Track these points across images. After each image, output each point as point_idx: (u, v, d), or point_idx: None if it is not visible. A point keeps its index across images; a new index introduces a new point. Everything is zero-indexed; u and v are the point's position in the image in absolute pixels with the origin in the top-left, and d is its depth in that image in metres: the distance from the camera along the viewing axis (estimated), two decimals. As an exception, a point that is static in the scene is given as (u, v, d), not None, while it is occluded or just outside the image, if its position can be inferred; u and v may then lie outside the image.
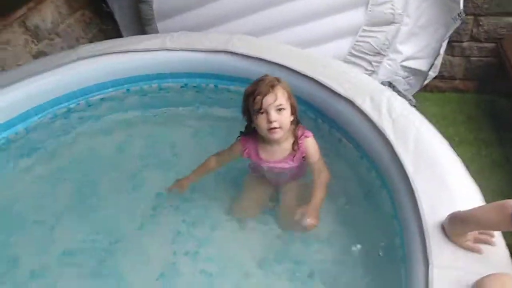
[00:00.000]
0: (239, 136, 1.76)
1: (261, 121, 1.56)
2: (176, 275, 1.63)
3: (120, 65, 2.19)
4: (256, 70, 2.08)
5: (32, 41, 2.63)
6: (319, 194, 1.62)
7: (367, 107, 1.68)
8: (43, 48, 2.69)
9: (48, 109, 2.13)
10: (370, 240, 1.62)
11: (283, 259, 1.66)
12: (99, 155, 2.12)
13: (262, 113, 1.54)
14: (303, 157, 1.69)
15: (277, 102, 1.53)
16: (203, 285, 1.61)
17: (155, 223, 1.82)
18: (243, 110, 1.65)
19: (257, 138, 1.68)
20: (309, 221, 1.54)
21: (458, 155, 2.49)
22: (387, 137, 1.54)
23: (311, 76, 1.88)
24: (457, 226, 1.17)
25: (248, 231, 1.78)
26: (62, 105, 2.16)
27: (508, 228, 1.05)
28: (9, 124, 2.02)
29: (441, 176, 1.39)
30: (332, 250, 1.66)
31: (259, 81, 1.58)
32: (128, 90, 2.30)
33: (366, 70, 2.59)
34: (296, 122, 1.65)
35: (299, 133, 1.66)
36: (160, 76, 2.28)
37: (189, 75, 2.28)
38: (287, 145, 1.66)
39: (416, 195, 1.33)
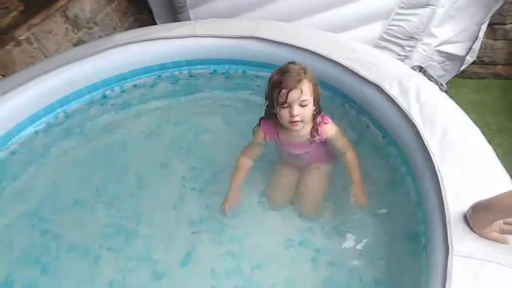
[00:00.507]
0: (257, 124, 1.79)
1: (284, 113, 1.58)
2: (200, 256, 1.68)
3: (151, 53, 2.26)
4: (283, 56, 2.09)
5: (72, 30, 2.76)
6: (353, 174, 1.65)
7: (394, 92, 1.64)
8: (82, 36, 2.83)
9: (85, 94, 2.24)
10: (393, 227, 1.60)
11: (305, 245, 1.68)
12: (131, 140, 2.20)
13: (286, 107, 1.56)
14: (323, 141, 1.70)
15: (302, 98, 1.54)
16: (226, 265, 1.65)
17: (181, 207, 1.88)
18: (266, 96, 1.66)
19: (277, 121, 1.69)
20: (360, 202, 1.60)
21: (496, 144, 2.40)
22: (414, 122, 1.50)
23: (337, 61, 1.86)
24: (480, 215, 1.14)
25: (274, 216, 1.81)
26: (98, 91, 2.26)
27: None
28: (49, 109, 2.15)
29: (469, 165, 1.35)
30: (354, 237, 1.66)
31: (286, 72, 1.56)
32: (159, 76, 2.37)
33: (399, 55, 2.51)
34: (318, 111, 1.65)
35: (318, 119, 1.66)
36: (190, 63, 2.33)
37: (218, 61, 2.31)
38: (305, 131, 1.67)
39: (441, 182, 1.30)
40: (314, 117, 1.65)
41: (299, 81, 1.53)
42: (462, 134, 1.45)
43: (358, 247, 1.63)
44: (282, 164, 1.88)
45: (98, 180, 2.01)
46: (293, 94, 1.53)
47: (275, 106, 1.60)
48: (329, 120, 1.68)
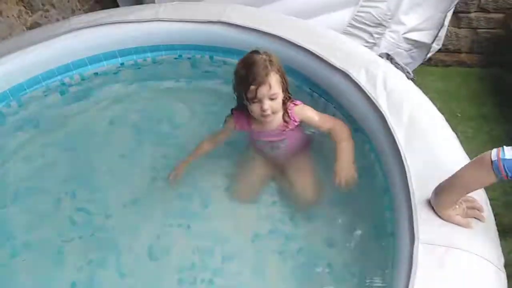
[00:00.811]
0: (229, 114, 1.74)
1: (255, 108, 1.55)
2: (166, 250, 1.65)
3: (112, 37, 2.14)
4: (251, 41, 2.03)
5: (26, 12, 2.58)
6: (342, 148, 1.56)
7: (362, 79, 1.62)
8: (37, 19, 2.64)
9: (41, 82, 2.10)
10: (362, 215, 1.61)
11: (274, 235, 1.67)
12: (93, 129, 2.11)
13: (256, 101, 1.52)
14: (298, 125, 1.66)
15: (271, 92, 1.50)
16: (194, 258, 1.61)
17: (148, 198, 1.83)
18: (234, 89, 1.61)
19: (248, 113, 1.65)
20: (343, 181, 1.50)
21: (460, 131, 2.46)
22: (381, 110, 1.49)
23: (306, 47, 1.82)
24: (443, 197, 1.14)
25: (241, 208, 1.79)
26: (55, 78, 2.13)
27: (490, 179, 1.03)
28: (2, 97, 2.00)
29: (434, 151, 1.35)
30: (322, 225, 1.66)
31: (251, 64, 1.50)
32: (122, 64, 2.25)
33: (367, 42, 2.51)
34: (287, 97, 1.62)
35: (288, 103, 1.63)
36: (153, 49, 2.23)
37: (183, 46, 2.22)
38: (278, 118, 1.64)
39: (407, 169, 1.30)
40: (285, 103, 1.62)
41: (267, 75, 1.48)
42: (427, 122, 1.45)
43: (327, 234, 1.64)
44: (253, 154, 1.83)
45: (58, 174, 1.92)
46: (262, 90, 1.49)
47: (245, 100, 1.56)
48: (298, 102, 1.65)
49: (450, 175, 1.13)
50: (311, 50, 1.81)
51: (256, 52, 1.55)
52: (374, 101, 1.53)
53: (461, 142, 2.39)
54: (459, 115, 2.58)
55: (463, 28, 2.85)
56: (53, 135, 2.08)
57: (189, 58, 2.27)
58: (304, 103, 1.68)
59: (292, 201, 1.74)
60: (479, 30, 2.84)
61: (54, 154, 2.00)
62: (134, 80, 2.26)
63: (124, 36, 2.16)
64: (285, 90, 1.59)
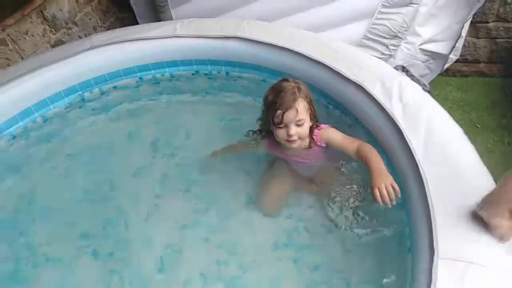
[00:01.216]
0: (260, 137, 1.76)
1: (281, 133, 1.57)
2: (183, 261, 1.65)
3: (131, 53, 2.21)
4: (266, 56, 2.07)
5: (50, 31, 2.68)
6: (373, 161, 1.44)
7: (377, 92, 1.62)
8: (61, 37, 2.74)
9: (63, 98, 2.18)
10: (379, 230, 1.58)
11: (290, 246, 1.66)
12: (112, 143, 2.15)
13: (282, 127, 1.55)
14: (325, 146, 1.66)
15: (298, 117, 1.53)
16: (212, 269, 1.62)
17: (164, 210, 1.84)
18: (263, 115, 1.65)
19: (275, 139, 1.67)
20: (383, 190, 1.34)
21: (479, 142, 2.41)
22: (397, 123, 1.49)
23: (321, 61, 1.84)
24: (492, 210, 1.11)
25: (261, 219, 1.78)
26: (77, 94, 2.20)
27: None
28: (27, 113, 2.08)
29: (452, 165, 1.34)
30: (339, 239, 1.65)
31: (280, 91, 1.53)
32: (140, 78, 2.31)
33: (383, 54, 2.50)
34: (315, 125, 1.63)
35: (314, 129, 1.63)
36: (171, 64, 2.29)
37: (200, 62, 2.27)
38: (305, 143, 1.65)
39: (425, 183, 1.29)
40: (311, 130, 1.63)
41: (294, 100, 1.50)
42: (445, 135, 1.44)
43: (344, 248, 1.62)
44: (280, 166, 1.83)
45: (80, 185, 1.96)
46: (289, 115, 1.51)
47: (271, 125, 1.59)
48: (324, 126, 1.66)
49: (494, 190, 1.13)
50: (325, 63, 1.83)
51: (285, 80, 1.59)
52: (390, 113, 1.52)
53: (481, 154, 2.36)
54: (478, 126, 2.54)
55: (481, 38, 2.81)
56: (74, 148, 2.13)
57: (206, 74, 2.32)
58: (330, 126, 1.67)
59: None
60: (498, 40, 2.80)
61: (75, 167, 2.05)
62: (152, 94, 2.31)
63: (143, 52, 2.22)
64: (313, 118, 1.60)
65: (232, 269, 1.62)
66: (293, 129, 1.53)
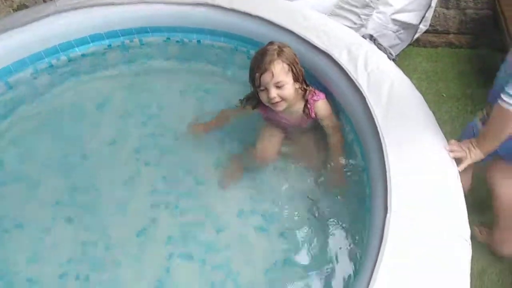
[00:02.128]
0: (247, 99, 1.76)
1: (263, 96, 1.61)
2: (158, 227, 1.69)
3: (98, 19, 2.14)
4: (236, 23, 2.05)
5: (13, -6, 2.57)
6: (334, 157, 1.67)
7: (343, 60, 1.65)
8: (24, 1, 2.63)
9: (28, 64, 2.11)
10: (344, 192, 1.66)
11: (257, 214, 1.70)
12: (81, 111, 2.12)
13: (263, 90, 1.58)
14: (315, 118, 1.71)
15: (275, 80, 1.55)
16: (183, 234, 1.66)
17: (135, 178, 1.85)
18: (248, 79, 1.66)
19: None
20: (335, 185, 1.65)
21: (445, 111, 2.49)
22: (361, 90, 1.53)
23: (289, 29, 1.84)
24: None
25: (231, 187, 1.82)
26: (43, 60, 2.14)
27: None
28: (-11, 80, 2.02)
29: (410, 129, 1.40)
30: (307, 202, 1.71)
31: (261, 54, 1.57)
32: (109, 45, 2.26)
33: (355, 23, 2.51)
34: (304, 88, 1.65)
35: (310, 96, 1.66)
36: (141, 30, 2.24)
37: (171, 29, 2.23)
38: (298, 108, 1.69)
39: (383, 147, 1.34)
40: (304, 94, 1.65)
41: (270, 62, 1.53)
42: (406, 102, 1.49)
43: (310, 211, 1.68)
44: (268, 125, 1.85)
45: (46, 153, 1.95)
46: (265, 78, 1.55)
47: (255, 89, 1.63)
48: (321, 96, 1.68)
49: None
50: (294, 31, 1.83)
51: (270, 43, 1.62)
52: (355, 81, 1.56)
53: (445, 121, 2.46)
54: (444, 95, 2.61)
55: (451, 9, 2.85)
56: (40, 117, 2.10)
57: (177, 42, 2.29)
58: (327, 97, 1.70)
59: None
60: (467, 11, 2.84)
61: (42, 135, 2.02)
62: (121, 61, 2.27)
63: (111, 18, 2.16)
64: (299, 81, 1.62)
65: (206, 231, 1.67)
66: (273, 92, 1.56)
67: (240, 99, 1.79)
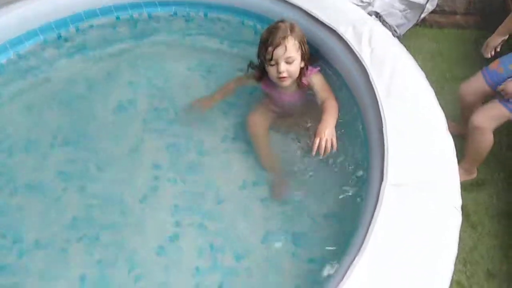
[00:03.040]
0: (249, 67, 1.81)
1: (271, 70, 1.65)
2: (161, 195, 1.74)
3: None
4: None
5: (22, -35, 2.57)
6: (327, 113, 1.57)
7: (349, 35, 1.68)
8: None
9: (38, 35, 2.15)
10: (345, 165, 1.71)
11: (259, 184, 1.76)
12: (90, 83, 2.15)
13: (273, 64, 1.63)
14: (309, 92, 1.75)
15: (287, 55, 1.60)
16: (187, 203, 1.72)
17: (140, 150, 1.90)
18: (258, 53, 1.70)
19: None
20: (322, 142, 1.49)
21: (447, 91, 2.52)
22: (364, 65, 1.56)
23: (296, 5, 1.86)
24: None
25: (230, 155, 1.88)
26: (52, 31, 2.17)
27: None
28: (1, 49, 2.06)
29: (410, 105, 1.44)
30: (307, 175, 1.76)
31: (274, 28, 1.62)
32: (117, 18, 2.29)
33: (362, 1, 2.52)
34: (307, 66, 1.69)
35: (307, 72, 1.70)
36: (149, 4, 2.26)
37: (178, 3, 2.25)
38: (294, 83, 1.72)
39: (383, 120, 1.39)
40: (302, 72, 1.69)
41: (284, 38, 1.58)
42: (407, 78, 1.53)
43: (310, 185, 1.74)
44: (264, 102, 1.90)
45: (54, 124, 1.98)
46: (278, 52, 1.59)
47: (264, 63, 1.67)
48: (315, 70, 1.73)
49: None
50: (301, 7, 1.85)
51: (281, 21, 1.66)
52: (358, 56, 1.60)
53: (447, 101, 2.49)
54: (448, 76, 2.64)
55: (459, -11, 2.85)
56: (50, 88, 2.13)
57: (183, 16, 2.31)
58: (320, 71, 1.74)
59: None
60: (475, -9, 2.84)
61: (50, 106, 2.06)
62: (129, 35, 2.30)
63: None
64: (306, 58, 1.66)
65: (208, 202, 1.73)
66: (283, 66, 1.61)
67: (248, 65, 1.81)
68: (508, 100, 1.82)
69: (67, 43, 2.23)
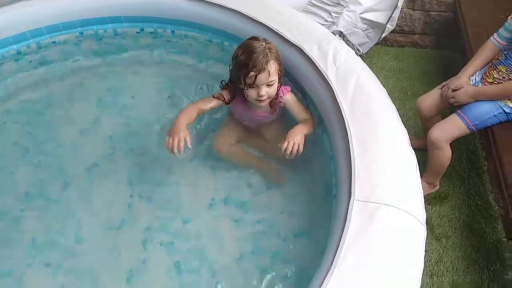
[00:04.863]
0: (221, 86, 1.77)
1: (251, 92, 1.62)
2: (133, 216, 1.69)
3: (71, 7, 2.12)
4: (211, 15, 2.08)
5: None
6: (300, 124, 1.67)
7: (314, 54, 1.72)
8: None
9: (-6, 50, 2.06)
10: (313, 182, 1.73)
11: (230, 202, 1.74)
12: (51, 99, 2.10)
13: (253, 87, 1.59)
14: (283, 106, 1.76)
15: (270, 79, 1.58)
16: (157, 223, 1.68)
17: (109, 167, 1.85)
18: (233, 74, 1.65)
19: (243, 94, 1.70)
20: (290, 145, 1.56)
21: (408, 108, 2.62)
22: (330, 82, 1.60)
23: (263, 23, 1.89)
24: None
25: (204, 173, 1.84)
26: (11, 47, 2.09)
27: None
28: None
29: (374, 121, 1.48)
30: (278, 193, 1.76)
31: (252, 52, 1.54)
32: (81, 33, 2.23)
33: (326, 21, 2.60)
34: (280, 84, 1.69)
35: (280, 91, 1.69)
36: (115, 20, 2.23)
37: (145, 19, 2.23)
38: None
39: (349, 137, 1.42)
40: (278, 90, 1.68)
41: (267, 62, 1.54)
42: (370, 94, 1.57)
43: (281, 202, 1.74)
44: (231, 120, 1.88)
45: (15, 145, 1.90)
46: (262, 78, 1.56)
47: (242, 84, 1.61)
48: (287, 89, 1.73)
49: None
50: (268, 25, 1.88)
51: (255, 38, 1.61)
52: (324, 74, 1.63)
53: (409, 117, 2.59)
54: (409, 93, 2.75)
55: (417, 10, 3.00)
56: (9, 104, 2.05)
57: (151, 32, 2.29)
58: (291, 89, 1.76)
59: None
60: (431, 13, 2.99)
61: (9, 125, 1.98)
62: (94, 51, 2.26)
63: (84, 5, 2.14)
64: (281, 77, 1.66)
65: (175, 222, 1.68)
66: (264, 90, 1.59)
67: (221, 93, 1.74)
68: (464, 113, 1.91)
69: (27, 58, 2.15)
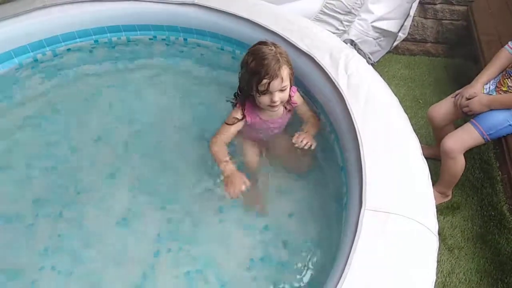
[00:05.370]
0: (235, 107, 1.71)
1: (264, 99, 1.57)
2: (137, 224, 1.69)
3: (86, 15, 2.16)
4: (224, 25, 2.11)
5: (-2, -13, 2.55)
6: (308, 126, 1.71)
7: (325, 63, 1.72)
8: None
9: (13, 57, 2.11)
10: (324, 191, 1.72)
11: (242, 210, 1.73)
12: (68, 107, 2.13)
13: (266, 94, 1.55)
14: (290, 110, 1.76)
15: (283, 84, 1.53)
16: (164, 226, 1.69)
17: (121, 175, 1.86)
18: (243, 82, 1.60)
19: (254, 102, 1.65)
20: (303, 140, 1.61)
21: (420, 116, 2.60)
22: (341, 91, 1.60)
23: (275, 31, 1.90)
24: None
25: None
26: (28, 54, 2.14)
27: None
28: (-27, 71, 2.01)
29: (386, 130, 1.47)
30: (286, 200, 1.76)
31: (262, 58, 1.49)
32: (96, 41, 2.28)
33: (337, 29, 2.60)
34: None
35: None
36: (128, 28, 2.27)
37: (158, 27, 2.27)
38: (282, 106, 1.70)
39: (360, 146, 1.41)
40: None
41: (279, 68, 1.50)
42: (382, 104, 1.56)
43: (292, 209, 1.73)
44: (245, 139, 1.83)
45: (31, 150, 1.94)
46: (275, 84, 1.51)
47: (254, 92, 1.57)
48: (295, 89, 1.73)
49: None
50: (280, 34, 1.90)
51: (263, 43, 1.56)
52: (335, 82, 1.63)
53: (421, 126, 2.57)
54: (421, 101, 2.73)
55: (429, 18, 2.99)
56: (26, 111, 2.09)
57: (163, 40, 2.32)
58: (298, 89, 1.77)
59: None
60: (443, 21, 2.98)
61: (25, 130, 2.02)
62: (108, 58, 2.29)
63: (99, 14, 2.18)
64: (292, 81, 1.62)
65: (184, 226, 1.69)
66: (277, 96, 1.55)
67: (233, 116, 1.67)
68: (479, 122, 1.88)
69: (42, 66, 2.20)
